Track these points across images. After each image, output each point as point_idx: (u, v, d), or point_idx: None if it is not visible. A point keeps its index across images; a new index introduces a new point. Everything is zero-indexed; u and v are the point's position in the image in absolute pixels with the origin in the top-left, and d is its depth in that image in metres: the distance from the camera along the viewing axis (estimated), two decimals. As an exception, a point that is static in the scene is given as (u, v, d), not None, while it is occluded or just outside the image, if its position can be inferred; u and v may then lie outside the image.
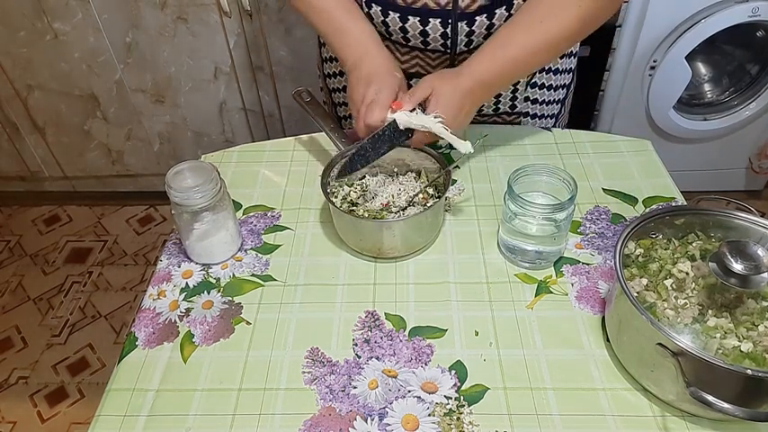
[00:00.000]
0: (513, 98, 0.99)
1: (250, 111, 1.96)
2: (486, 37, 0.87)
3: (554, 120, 1.06)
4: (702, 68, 1.94)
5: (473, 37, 0.86)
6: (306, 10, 0.89)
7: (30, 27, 1.77)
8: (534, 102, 1.01)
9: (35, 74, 1.88)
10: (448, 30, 0.85)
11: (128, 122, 2.00)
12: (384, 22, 0.87)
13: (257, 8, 1.69)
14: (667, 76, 1.74)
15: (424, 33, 0.86)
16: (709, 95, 1.94)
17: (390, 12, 0.85)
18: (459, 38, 0.86)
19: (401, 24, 0.86)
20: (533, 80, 0.99)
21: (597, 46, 1.74)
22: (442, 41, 0.87)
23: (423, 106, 0.79)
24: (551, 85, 1.01)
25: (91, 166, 2.14)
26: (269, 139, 1.05)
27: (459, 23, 0.84)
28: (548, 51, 0.82)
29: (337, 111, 1.10)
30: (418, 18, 0.84)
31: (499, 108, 1.01)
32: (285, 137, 1.04)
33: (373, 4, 0.86)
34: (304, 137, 1.02)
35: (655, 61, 1.72)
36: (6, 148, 2.08)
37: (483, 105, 0.99)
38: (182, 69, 1.85)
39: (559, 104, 1.05)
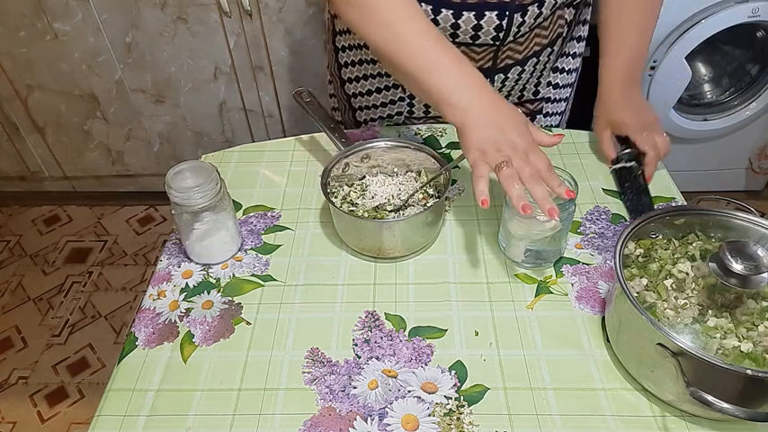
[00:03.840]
0: (537, 83, 1.01)
1: (250, 111, 1.96)
2: (531, 26, 0.87)
3: (560, 117, 1.10)
4: (702, 68, 1.94)
5: (522, 27, 0.86)
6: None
7: (30, 27, 1.76)
8: (548, 101, 1.05)
9: (35, 74, 1.88)
10: (503, 22, 0.84)
11: (128, 122, 2.00)
12: (434, 20, 0.84)
13: (257, 8, 1.69)
14: (667, 76, 1.73)
15: (477, 27, 0.85)
16: (709, 96, 1.94)
17: (443, 9, 0.83)
18: (512, 29, 0.85)
19: (453, 21, 0.84)
20: (549, 78, 1.02)
21: (597, 46, 1.73)
22: (494, 34, 0.86)
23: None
24: (557, 84, 1.04)
25: (91, 166, 2.13)
26: (269, 139, 1.04)
27: (514, 15, 0.84)
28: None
29: (356, 116, 1.08)
30: (473, 12, 0.83)
31: (524, 95, 1.02)
32: (285, 137, 1.04)
33: (423, 3, 0.83)
34: (304, 137, 1.02)
35: (655, 61, 1.72)
36: (6, 148, 2.08)
37: (509, 94, 1.00)
38: (182, 69, 1.85)
39: (566, 102, 1.09)
